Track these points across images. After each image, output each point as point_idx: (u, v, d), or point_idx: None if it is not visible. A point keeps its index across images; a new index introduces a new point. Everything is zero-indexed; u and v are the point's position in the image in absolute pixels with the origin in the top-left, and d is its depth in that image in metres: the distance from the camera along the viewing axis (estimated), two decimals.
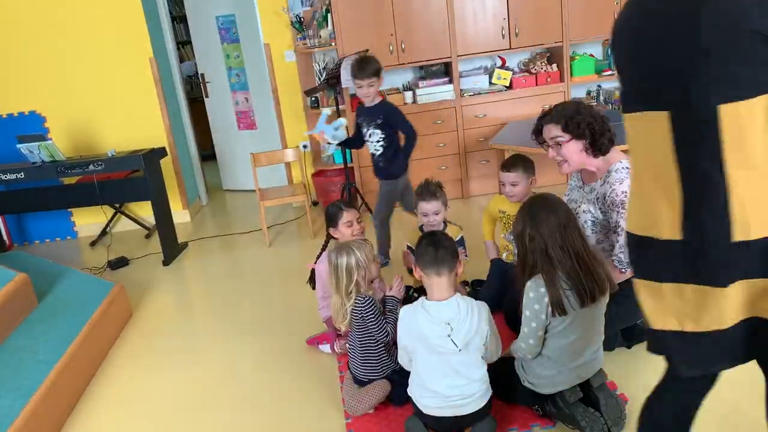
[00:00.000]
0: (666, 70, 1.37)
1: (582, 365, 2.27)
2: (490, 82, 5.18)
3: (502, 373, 2.36)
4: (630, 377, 2.57)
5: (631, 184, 1.56)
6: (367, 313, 2.53)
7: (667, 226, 1.41)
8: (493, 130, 4.99)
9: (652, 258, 1.47)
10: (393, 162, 3.85)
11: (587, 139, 2.51)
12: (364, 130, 3.87)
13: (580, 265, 2.14)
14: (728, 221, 1.33)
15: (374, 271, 2.68)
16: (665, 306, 1.46)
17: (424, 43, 4.94)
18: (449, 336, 2.12)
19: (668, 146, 1.38)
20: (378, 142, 3.83)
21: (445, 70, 5.17)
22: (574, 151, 2.55)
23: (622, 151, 2.63)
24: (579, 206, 2.66)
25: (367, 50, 4.77)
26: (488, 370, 2.28)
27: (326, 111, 4.02)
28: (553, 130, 2.57)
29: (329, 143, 3.92)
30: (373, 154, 3.91)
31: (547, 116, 2.60)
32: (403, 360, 2.35)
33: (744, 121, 1.28)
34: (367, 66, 3.69)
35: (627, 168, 2.51)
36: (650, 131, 1.42)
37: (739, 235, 1.33)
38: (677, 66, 1.34)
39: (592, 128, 2.49)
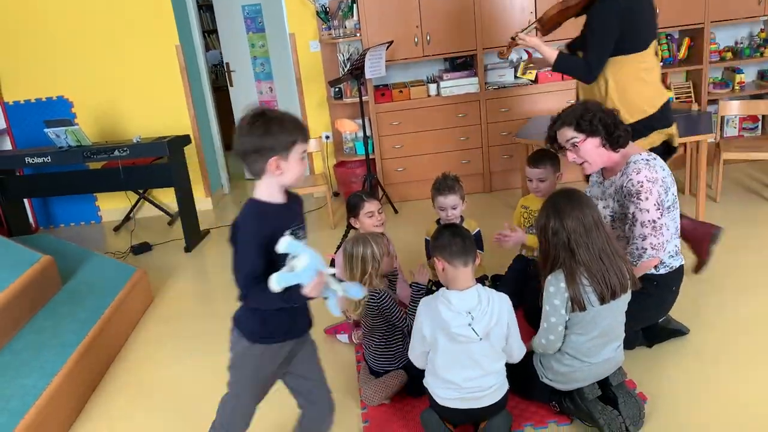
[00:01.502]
0: None
1: (601, 362, 2.25)
2: (515, 76, 5.13)
3: (520, 368, 2.34)
4: (650, 377, 2.54)
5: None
6: (384, 306, 2.53)
7: None
8: (517, 125, 4.95)
9: None
10: None
11: (602, 134, 2.48)
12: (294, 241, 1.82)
13: (602, 260, 2.12)
14: None
15: (387, 265, 2.67)
16: None
17: (449, 35, 4.91)
18: (470, 325, 2.11)
19: None
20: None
21: (470, 63, 5.13)
22: (591, 149, 2.52)
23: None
24: (599, 202, 2.64)
25: (392, 42, 4.76)
26: (507, 364, 2.27)
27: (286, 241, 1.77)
28: (567, 133, 2.54)
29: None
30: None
31: (557, 121, 2.59)
32: (414, 353, 2.31)
33: None
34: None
35: (645, 159, 2.48)
36: None
37: None
38: None
39: (604, 122, 2.47)
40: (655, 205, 2.42)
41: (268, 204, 1.87)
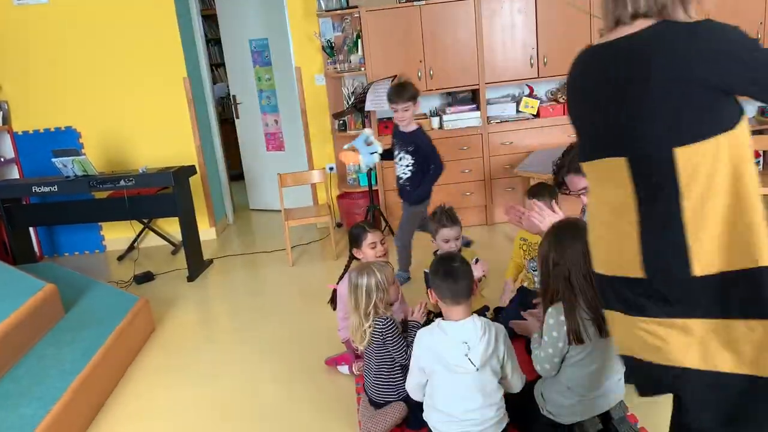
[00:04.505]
0: (623, 119, 1.44)
1: (602, 396, 2.24)
2: (518, 110, 5.20)
3: (521, 401, 2.33)
4: (651, 411, 2.51)
5: (592, 229, 1.65)
6: (387, 334, 2.53)
7: (630, 265, 1.49)
8: (519, 158, 5.00)
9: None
10: (419, 187, 3.95)
11: None
12: (396, 152, 3.99)
13: None
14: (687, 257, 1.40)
15: (393, 293, 2.68)
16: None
17: (452, 69, 4.99)
18: (466, 355, 2.11)
19: (628, 190, 1.47)
20: (407, 166, 3.93)
21: (473, 97, 5.20)
22: None
23: None
24: None
25: (395, 76, 4.84)
26: (507, 397, 2.26)
27: (367, 131, 3.98)
28: (577, 182, 2.55)
29: (359, 167, 3.92)
30: (399, 177, 4.02)
31: (563, 168, 2.58)
32: (410, 385, 2.32)
33: (697, 161, 1.37)
34: (403, 91, 3.81)
35: None
36: (610, 176, 1.50)
37: (697, 270, 1.40)
38: (633, 114, 1.42)
39: None
40: None
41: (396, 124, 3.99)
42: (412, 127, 3.91)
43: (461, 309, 2.17)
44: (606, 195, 1.54)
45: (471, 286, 2.20)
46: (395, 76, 4.85)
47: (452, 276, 2.17)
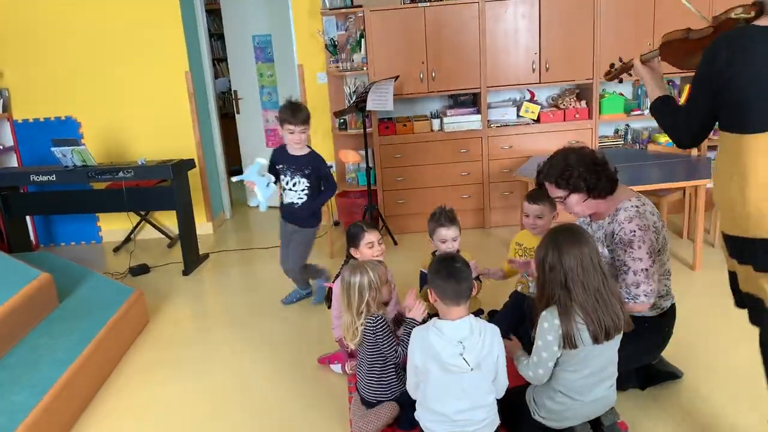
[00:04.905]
0: None
1: (594, 402, 2.25)
2: (518, 115, 5.21)
3: (512, 405, 2.34)
4: (642, 419, 2.53)
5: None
6: (378, 332, 2.53)
7: None
8: (518, 162, 5.01)
9: None
10: (315, 212, 3.76)
11: (584, 190, 2.50)
12: (286, 177, 3.68)
13: (597, 300, 2.12)
14: None
15: (386, 293, 2.68)
16: None
17: (454, 72, 5.00)
18: (461, 355, 2.12)
19: None
20: (303, 191, 3.67)
21: (474, 100, 5.21)
22: (577, 202, 2.54)
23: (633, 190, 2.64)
24: None
25: (398, 76, 4.84)
26: (498, 400, 2.27)
27: (260, 161, 3.60)
28: (551, 190, 2.57)
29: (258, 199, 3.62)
30: (292, 203, 3.71)
31: (541, 174, 2.60)
32: (410, 386, 2.32)
33: None
34: (300, 112, 3.55)
35: (636, 207, 2.50)
36: None
37: None
38: None
39: (584, 178, 2.47)
40: (647, 253, 2.43)
41: (282, 148, 3.76)
42: (307, 149, 3.69)
43: (461, 309, 2.18)
44: None
45: (471, 287, 2.21)
46: (397, 76, 4.85)
47: (455, 276, 2.17)
